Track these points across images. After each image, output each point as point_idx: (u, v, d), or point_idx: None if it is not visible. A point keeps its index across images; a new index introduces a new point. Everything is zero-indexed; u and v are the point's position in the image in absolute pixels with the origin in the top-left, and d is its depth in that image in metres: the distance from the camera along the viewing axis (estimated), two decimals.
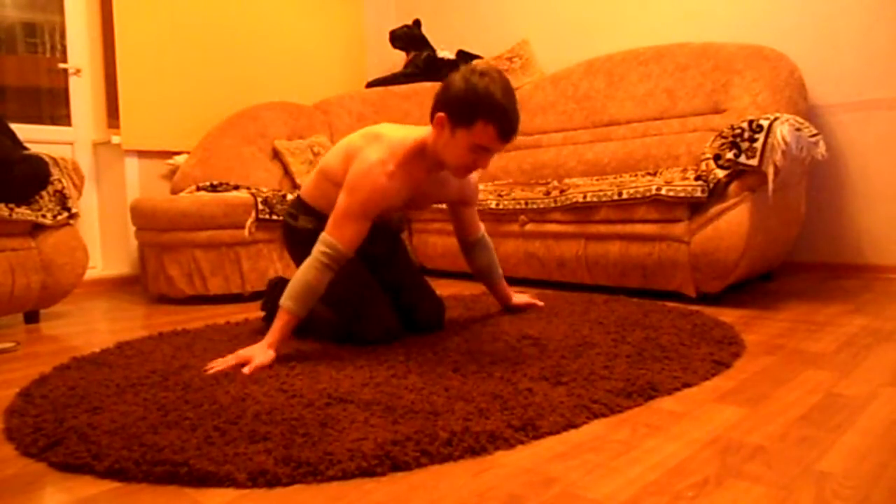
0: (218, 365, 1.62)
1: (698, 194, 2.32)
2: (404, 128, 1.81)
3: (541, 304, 2.30)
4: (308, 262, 1.67)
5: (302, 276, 1.66)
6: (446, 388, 1.42)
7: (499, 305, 2.32)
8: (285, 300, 1.66)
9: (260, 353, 1.64)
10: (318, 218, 1.91)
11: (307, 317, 1.95)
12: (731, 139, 2.26)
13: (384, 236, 2.05)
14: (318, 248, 1.67)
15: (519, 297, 2.29)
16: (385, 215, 1.95)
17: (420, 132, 1.76)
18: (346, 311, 1.87)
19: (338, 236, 1.68)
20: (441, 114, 1.63)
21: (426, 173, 1.80)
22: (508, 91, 1.59)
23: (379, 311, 1.86)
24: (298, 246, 1.95)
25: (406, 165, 1.73)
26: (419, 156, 1.76)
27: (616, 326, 1.98)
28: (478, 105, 1.56)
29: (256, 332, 2.09)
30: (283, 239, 2.05)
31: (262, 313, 2.22)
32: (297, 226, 1.95)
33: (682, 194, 2.35)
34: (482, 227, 2.13)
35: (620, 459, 1.08)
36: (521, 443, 1.16)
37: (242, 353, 1.65)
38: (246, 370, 1.57)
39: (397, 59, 4.58)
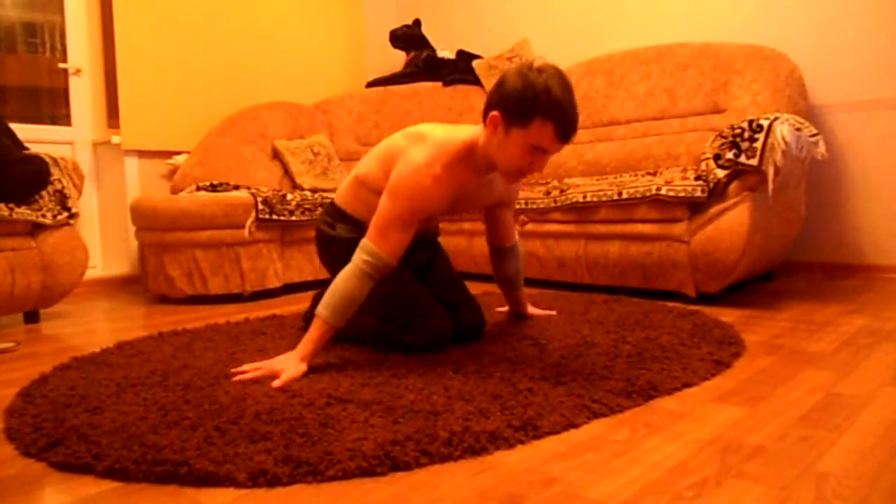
0: (246, 373, 1.55)
1: (698, 194, 2.32)
2: (448, 127, 1.69)
3: (553, 313, 2.21)
4: (349, 271, 1.57)
5: (342, 285, 1.56)
6: (446, 388, 1.42)
7: (509, 309, 2.22)
8: (323, 310, 1.56)
9: (292, 366, 1.54)
10: (359, 227, 1.80)
11: (349, 326, 1.82)
12: (731, 139, 2.26)
13: (424, 244, 1.96)
14: (360, 256, 1.58)
15: (533, 309, 2.21)
16: (427, 221, 1.83)
17: (467, 132, 1.65)
18: (396, 319, 1.77)
19: (380, 244, 1.57)
20: (495, 112, 1.52)
21: (474, 176, 1.68)
22: (567, 88, 1.48)
23: (431, 316, 1.76)
24: (337, 257, 1.79)
25: (453, 167, 1.62)
26: (467, 158, 1.64)
27: (616, 326, 1.98)
28: (535, 102, 1.45)
29: (257, 332, 2.09)
30: (318, 249, 1.92)
31: (262, 314, 2.21)
32: (336, 235, 1.83)
33: (682, 194, 2.35)
34: (517, 234, 2.02)
35: (620, 459, 1.08)
36: (522, 443, 1.16)
37: (273, 363, 1.57)
38: (276, 384, 1.47)
39: (397, 59, 4.58)
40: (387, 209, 1.60)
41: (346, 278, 1.57)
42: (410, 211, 1.59)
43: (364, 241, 1.60)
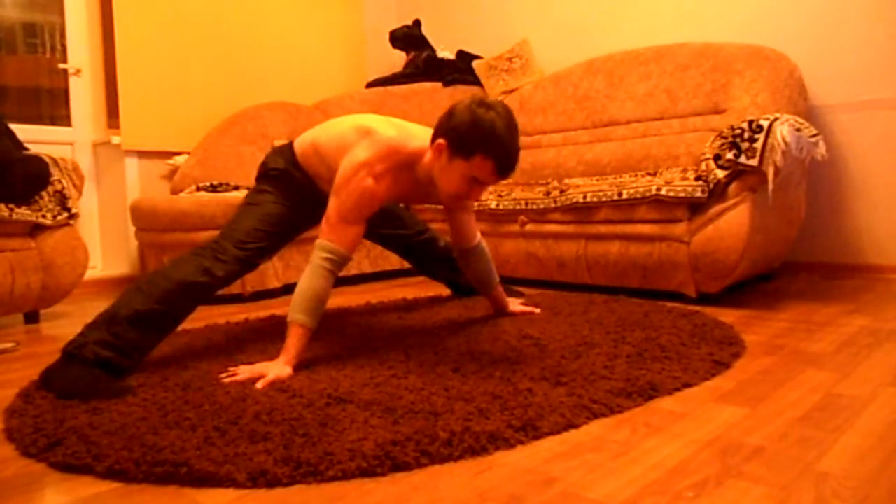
0: (234, 375, 1.57)
1: (698, 194, 2.32)
2: (400, 126, 1.76)
3: (537, 310, 2.24)
4: (312, 272, 1.63)
5: (310, 286, 1.62)
6: (446, 388, 1.42)
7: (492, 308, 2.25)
8: (296, 314, 1.60)
9: (277, 369, 1.57)
10: (307, 177, 1.89)
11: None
12: (731, 139, 2.26)
13: None
14: (319, 255, 1.64)
15: (514, 305, 2.25)
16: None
17: (419, 140, 1.72)
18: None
19: (336, 240, 1.65)
20: (441, 140, 1.60)
21: (415, 184, 1.78)
22: (512, 127, 1.56)
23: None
24: (277, 186, 1.85)
25: (395, 172, 1.71)
26: (411, 167, 1.73)
27: (616, 326, 1.98)
28: (479, 138, 1.53)
29: (257, 332, 2.09)
30: (263, 179, 1.92)
31: (262, 314, 2.19)
32: (285, 169, 1.87)
33: (682, 194, 2.35)
34: (479, 234, 2.08)
35: (620, 459, 1.08)
36: (521, 443, 1.16)
37: (257, 367, 1.60)
38: (259, 385, 1.49)
39: (397, 59, 4.58)
40: (337, 206, 1.67)
41: (310, 280, 1.63)
42: (358, 207, 1.67)
43: (320, 241, 1.66)
